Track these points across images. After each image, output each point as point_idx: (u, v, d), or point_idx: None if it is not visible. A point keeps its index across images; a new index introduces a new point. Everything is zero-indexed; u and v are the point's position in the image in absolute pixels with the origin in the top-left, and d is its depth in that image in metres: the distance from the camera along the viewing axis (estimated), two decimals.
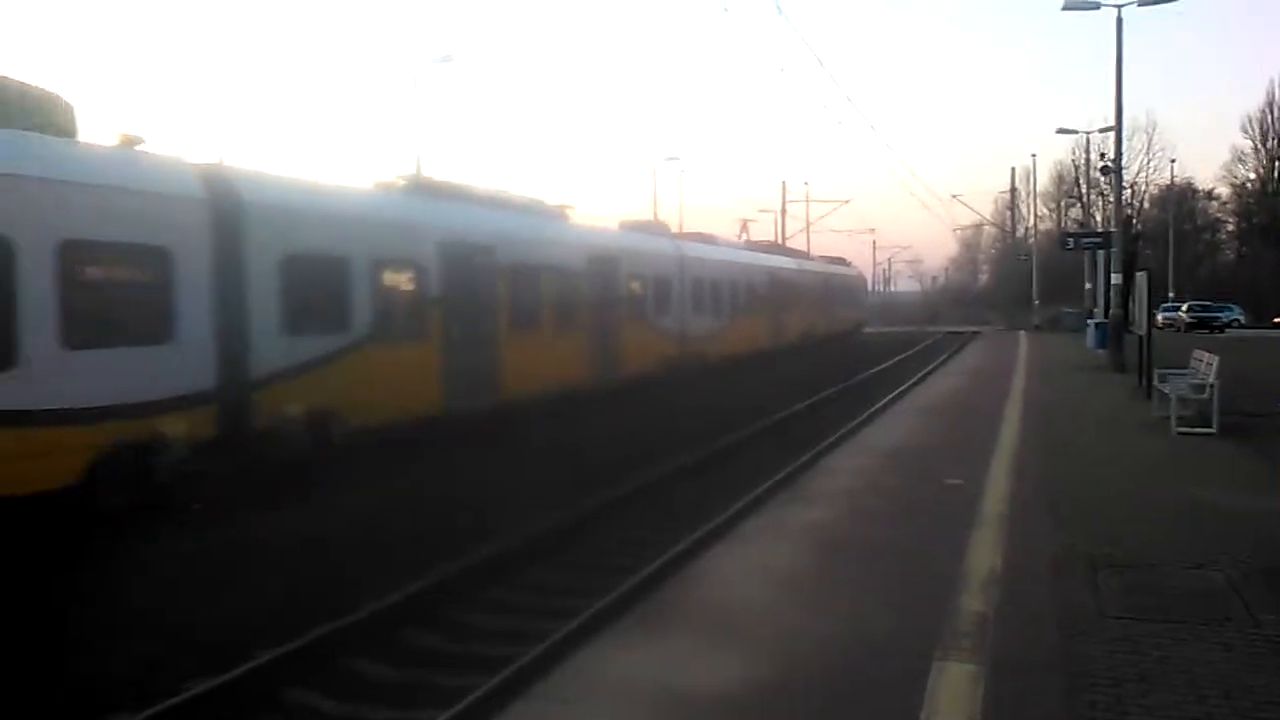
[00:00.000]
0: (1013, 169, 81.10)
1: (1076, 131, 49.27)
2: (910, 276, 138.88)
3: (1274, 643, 6.14)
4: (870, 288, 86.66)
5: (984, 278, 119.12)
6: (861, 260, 66.56)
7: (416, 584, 9.58)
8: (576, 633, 7.99)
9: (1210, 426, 14.89)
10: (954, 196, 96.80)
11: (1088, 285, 44.43)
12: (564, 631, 8.19)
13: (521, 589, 10.17)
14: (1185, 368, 17.39)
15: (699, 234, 34.44)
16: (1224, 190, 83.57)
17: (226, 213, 12.71)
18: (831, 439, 17.15)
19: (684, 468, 15.67)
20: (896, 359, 40.21)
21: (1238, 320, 58.17)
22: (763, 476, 14.36)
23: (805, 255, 48.85)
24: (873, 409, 21.26)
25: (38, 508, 10.22)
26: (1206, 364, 16.20)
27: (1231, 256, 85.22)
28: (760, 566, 8.09)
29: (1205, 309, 58.43)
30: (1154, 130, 71.13)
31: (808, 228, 69.79)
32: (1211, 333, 51.17)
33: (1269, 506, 10.12)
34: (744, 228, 62.56)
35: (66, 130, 12.02)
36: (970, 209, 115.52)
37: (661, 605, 7.24)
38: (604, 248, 23.16)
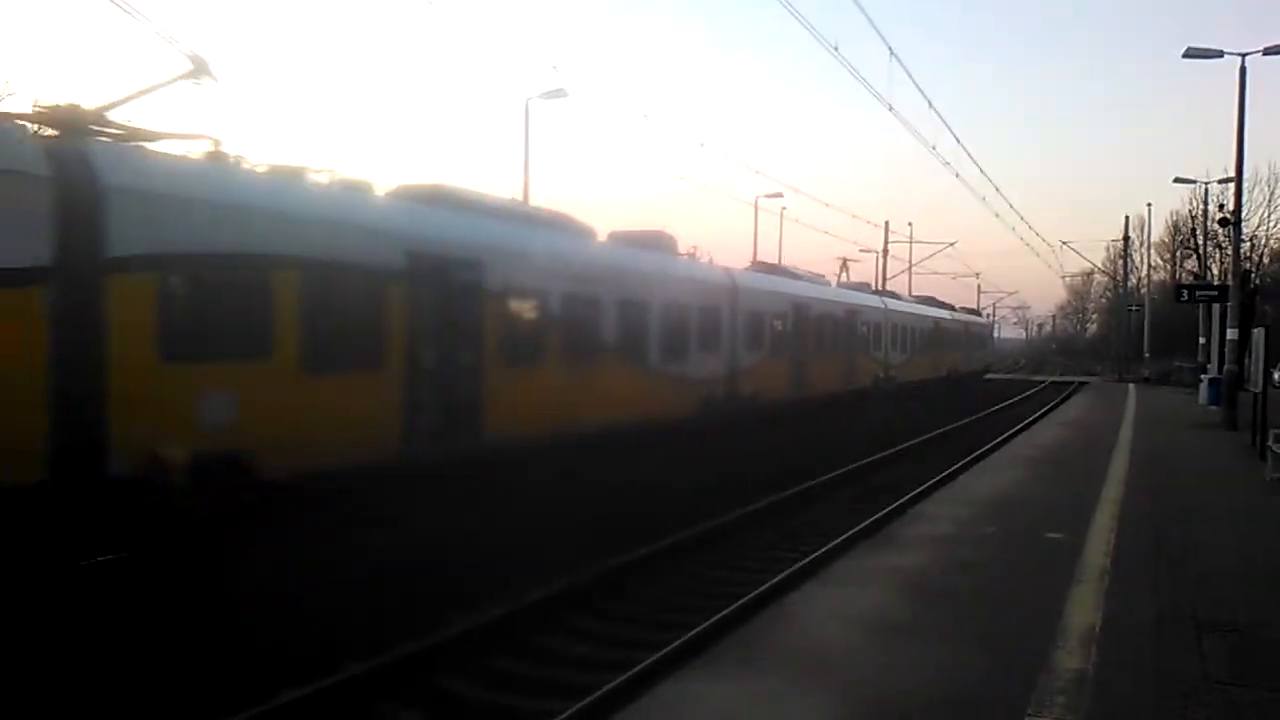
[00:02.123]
0: (1126, 217, 79.25)
1: (1194, 182, 47.93)
2: (1015, 323, 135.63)
3: None
4: None
5: (1093, 327, 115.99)
6: (966, 305, 66.11)
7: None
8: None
9: None
10: (1064, 243, 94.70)
11: (1202, 340, 43.05)
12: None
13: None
14: None
15: (892, 291, 47.31)
16: None
17: (734, 291, 23.95)
18: (933, 480, 16.96)
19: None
20: (1000, 405, 39.53)
21: None
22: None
23: (952, 307, 57.04)
24: (977, 453, 20.94)
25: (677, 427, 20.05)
26: None
27: None
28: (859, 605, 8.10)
29: None
30: (1276, 182, 68.62)
31: (910, 269, 68.94)
32: None
33: None
34: (844, 267, 62.20)
35: (676, 252, 22.92)
36: (1081, 256, 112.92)
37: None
38: (850, 303, 34.02)
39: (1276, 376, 49.09)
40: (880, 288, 49.52)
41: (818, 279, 34.05)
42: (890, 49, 26.36)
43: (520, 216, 16.53)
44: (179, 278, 9.83)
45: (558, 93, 31.77)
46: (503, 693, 7.89)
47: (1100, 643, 7.20)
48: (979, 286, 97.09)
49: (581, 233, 18.40)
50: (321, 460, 10.96)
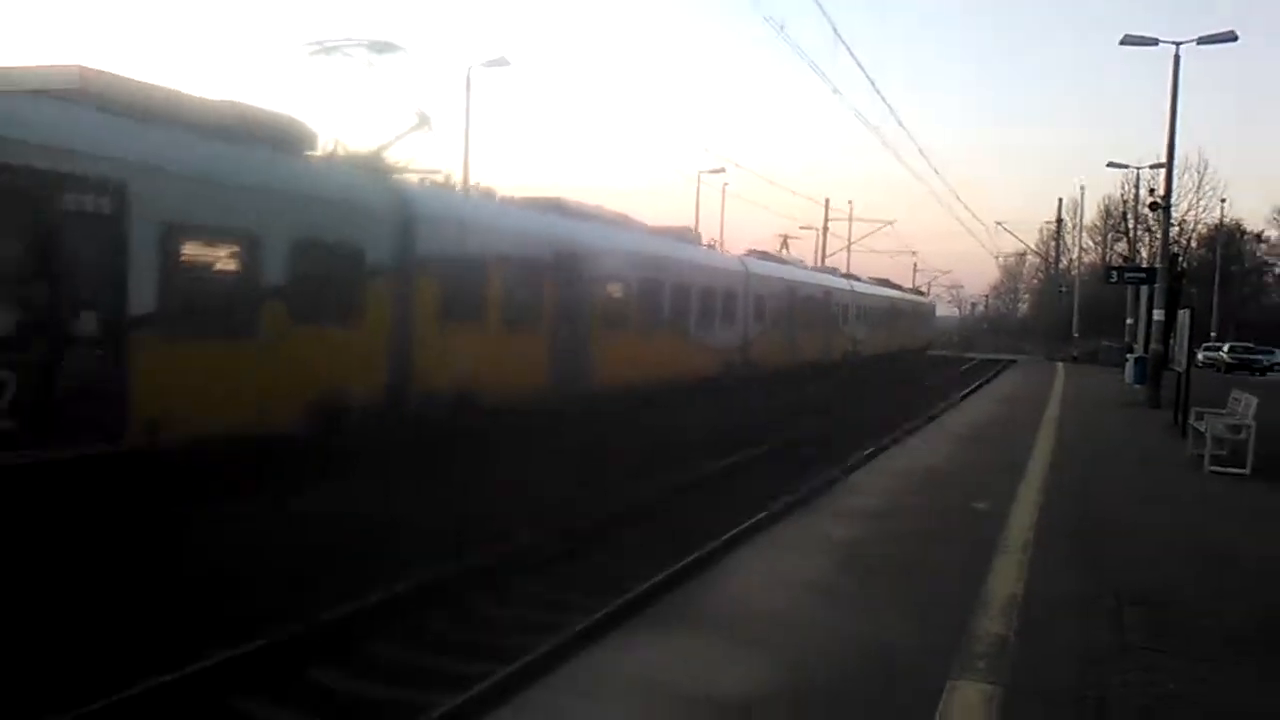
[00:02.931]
0: (1060, 200, 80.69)
1: (1127, 166, 48.79)
2: (949, 301, 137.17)
3: None
4: None
5: (1024, 307, 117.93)
6: (901, 283, 68.15)
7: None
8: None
9: (1244, 467, 14.74)
10: (999, 224, 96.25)
11: (1129, 320, 43.98)
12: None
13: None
14: (1223, 407, 17.23)
15: (855, 274, 51.27)
16: (1273, 234, 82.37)
17: (746, 276, 27.60)
18: (867, 450, 17.21)
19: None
20: (931, 381, 40.23)
21: None
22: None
23: (900, 288, 61.07)
24: (906, 428, 21.24)
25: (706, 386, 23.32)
26: (1245, 405, 16.05)
27: (1278, 300, 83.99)
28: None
29: (1248, 351, 57.40)
30: (1205, 169, 70.09)
31: (849, 247, 69.49)
32: (1252, 375, 50.36)
33: None
34: (784, 244, 62.45)
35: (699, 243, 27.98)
36: (1015, 237, 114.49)
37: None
38: (828, 285, 38.31)
39: (1200, 357, 50.47)
40: (820, 265, 52.46)
41: (800, 264, 39.86)
42: (834, 29, 26.61)
43: (604, 218, 20.59)
44: (445, 271, 13.80)
45: (500, 61, 31.43)
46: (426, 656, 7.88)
47: (1022, 611, 7.33)
48: (915, 265, 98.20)
49: (640, 229, 22.75)
50: (506, 396, 14.91)
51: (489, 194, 18.35)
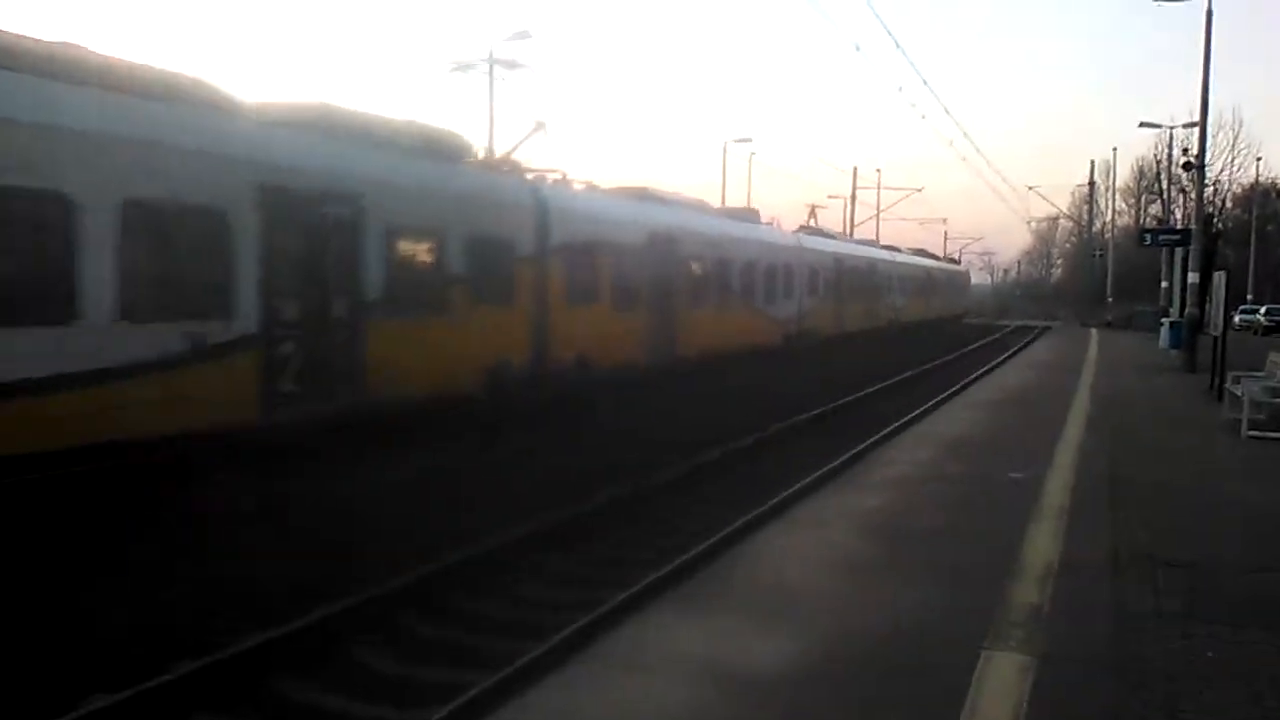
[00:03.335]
0: (1092, 162, 79.57)
1: (1159, 126, 48.14)
2: (981, 268, 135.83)
3: None
4: None
5: (1057, 272, 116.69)
6: (932, 250, 67.83)
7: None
8: None
9: None
10: (1030, 188, 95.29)
11: (1164, 284, 43.44)
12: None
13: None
14: (1260, 371, 17.01)
15: (894, 246, 53.91)
16: None
17: (801, 251, 30.06)
18: (895, 424, 17.12)
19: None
20: (969, 348, 40.09)
21: None
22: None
23: (936, 258, 63.80)
24: (944, 395, 21.20)
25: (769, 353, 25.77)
26: None
27: None
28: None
29: None
30: (1240, 128, 68.80)
31: (878, 215, 69.04)
32: None
33: None
34: (811, 213, 62.04)
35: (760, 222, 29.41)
36: (1047, 201, 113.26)
37: None
38: (871, 257, 41.21)
39: (1236, 320, 49.77)
40: (860, 238, 53.06)
41: (844, 238, 43.23)
42: None
43: (682, 203, 22.77)
44: (570, 256, 16.36)
45: (522, 34, 31.40)
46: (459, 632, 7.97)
47: (1058, 578, 7.30)
48: (945, 232, 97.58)
49: (712, 211, 25.80)
50: (612, 363, 17.43)
51: (592, 186, 19.77)
